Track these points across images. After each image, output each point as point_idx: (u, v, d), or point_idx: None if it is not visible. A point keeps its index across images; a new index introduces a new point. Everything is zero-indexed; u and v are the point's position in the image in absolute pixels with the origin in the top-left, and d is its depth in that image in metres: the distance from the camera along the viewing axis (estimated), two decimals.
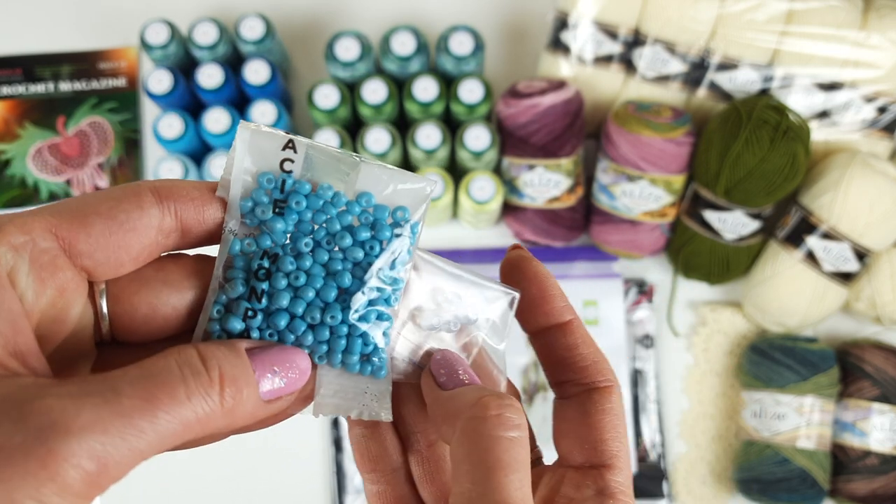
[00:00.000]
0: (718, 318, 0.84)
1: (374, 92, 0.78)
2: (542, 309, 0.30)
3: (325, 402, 0.27)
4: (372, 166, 0.27)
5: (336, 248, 0.27)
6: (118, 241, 0.24)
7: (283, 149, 0.27)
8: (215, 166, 0.78)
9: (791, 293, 0.78)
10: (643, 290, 0.85)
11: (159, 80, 0.79)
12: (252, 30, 0.79)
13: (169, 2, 0.89)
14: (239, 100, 0.82)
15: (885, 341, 0.80)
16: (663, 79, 0.79)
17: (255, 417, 0.25)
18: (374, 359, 0.28)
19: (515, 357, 0.83)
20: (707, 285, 0.85)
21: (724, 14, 0.75)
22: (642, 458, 0.82)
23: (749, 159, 0.73)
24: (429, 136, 0.77)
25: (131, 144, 0.89)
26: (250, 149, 0.27)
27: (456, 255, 0.87)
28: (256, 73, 0.79)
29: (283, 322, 0.27)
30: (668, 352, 0.85)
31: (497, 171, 0.82)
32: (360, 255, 0.27)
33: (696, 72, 0.78)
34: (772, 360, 0.78)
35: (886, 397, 0.76)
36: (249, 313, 0.26)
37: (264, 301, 0.27)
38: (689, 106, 0.81)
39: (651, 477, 0.81)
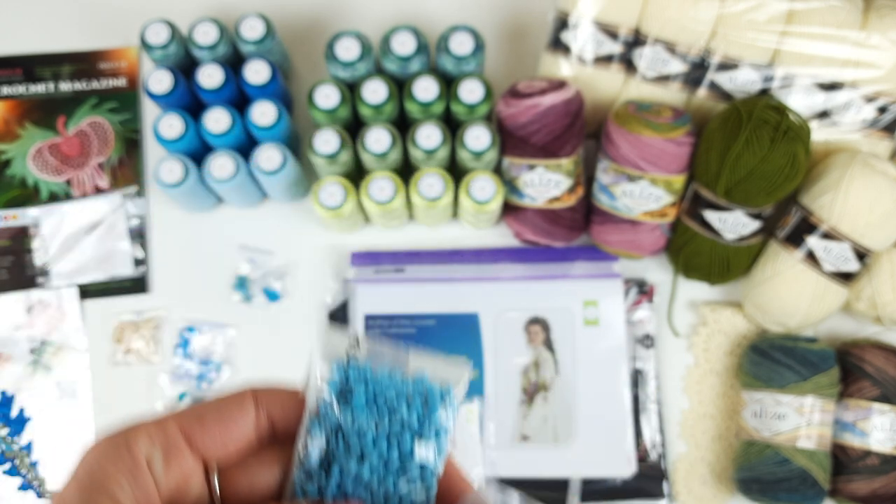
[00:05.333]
0: (718, 318, 0.85)
1: (375, 92, 0.77)
2: None
3: None
4: (418, 355, 0.33)
5: (396, 417, 0.33)
6: (225, 434, 0.30)
7: (350, 347, 0.33)
8: (216, 166, 0.78)
9: (791, 293, 0.78)
10: (643, 290, 0.85)
11: (159, 80, 0.79)
12: (252, 30, 0.79)
13: (169, 2, 0.89)
14: (239, 100, 0.82)
15: (885, 341, 0.80)
16: (663, 79, 0.79)
17: None
18: None
19: (515, 357, 0.83)
20: (707, 285, 0.85)
21: (725, 14, 0.75)
22: (642, 458, 0.82)
23: (749, 159, 0.73)
24: (429, 136, 0.77)
25: (131, 144, 0.89)
26: (325, 348, 0.33)
27: (456, 255, 0.87)
28: (257, 73, 0.79)
29: (350, 485, 0.32)
30: (668, 352, 0.85)
31: (497, 171, 0.82)
32: (415, 424, 0.32)
33: (696, 72, 0.78)
34: (772, 360, 0.78)
35: (887, 397, 0.76)
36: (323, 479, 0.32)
37: (335, 471, 0.32)
38: (689, 106, 0.81)
39: (651, 477, 0.81)
